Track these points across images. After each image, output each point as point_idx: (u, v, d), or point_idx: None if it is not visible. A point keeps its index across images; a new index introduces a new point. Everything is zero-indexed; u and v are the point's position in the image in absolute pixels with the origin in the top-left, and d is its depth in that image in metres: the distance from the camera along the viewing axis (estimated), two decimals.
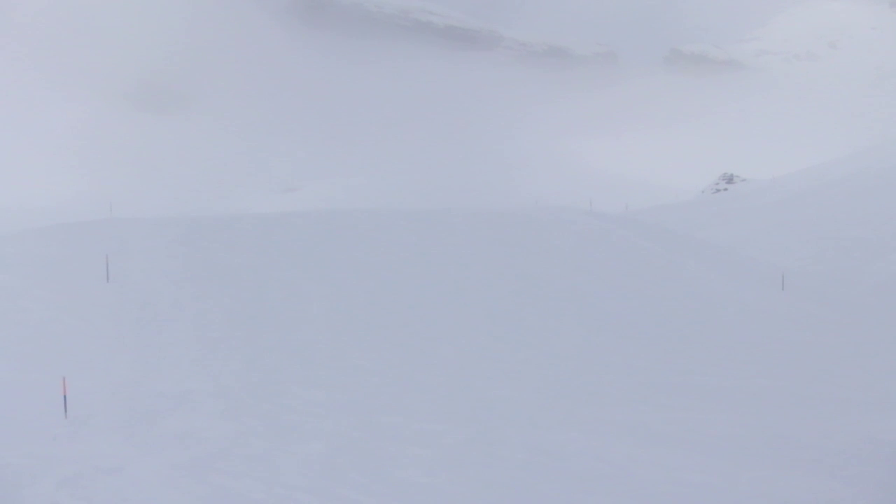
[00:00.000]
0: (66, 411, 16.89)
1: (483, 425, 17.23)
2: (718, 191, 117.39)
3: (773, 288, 36.60)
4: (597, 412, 18.45)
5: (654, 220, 61.80)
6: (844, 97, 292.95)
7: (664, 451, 15.95)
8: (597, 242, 41.43)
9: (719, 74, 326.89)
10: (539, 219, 45.11)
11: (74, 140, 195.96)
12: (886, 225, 54.60)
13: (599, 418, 17.95)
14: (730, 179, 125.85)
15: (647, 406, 19.02)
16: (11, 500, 13.24)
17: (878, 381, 22.33)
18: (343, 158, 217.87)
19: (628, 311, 30.54)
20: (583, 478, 14.62)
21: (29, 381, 19.13)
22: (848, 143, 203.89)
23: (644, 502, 13.69)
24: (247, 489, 13.82)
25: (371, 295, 29.85)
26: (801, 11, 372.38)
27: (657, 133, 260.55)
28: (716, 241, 51.74)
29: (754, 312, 31.98)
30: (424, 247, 37.34)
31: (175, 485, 13.97)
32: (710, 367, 23.54)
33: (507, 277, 33.82)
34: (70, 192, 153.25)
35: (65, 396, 17.02)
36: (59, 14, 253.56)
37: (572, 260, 37.63)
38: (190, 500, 13.38)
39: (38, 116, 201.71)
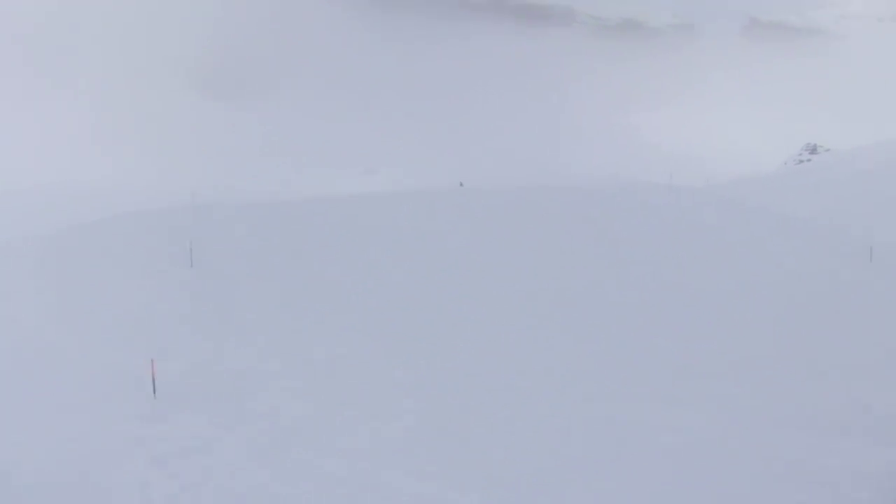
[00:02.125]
0: (154, 392, 17.28)
1: (581, 406, 17.20)
2: (801, 161, 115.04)
3: (861, 260, 35.71)
4: (692, 386, 18.31)
5: (736, 193, 60.72)
6: None
7: (759, 427, 15.70)
8: (678, 218, 40.87)
9: (800, 42, 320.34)
10: (618, 195, 44.68)
11: (154, 126, 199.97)
12: None
13: (694, 393, 17.81)
14: (813, 150, 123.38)
15: (741, 381, 18.77)
16: (106, 478, 13.59)
17: None
18: (421, 139, 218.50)
19: (713, 288, 30.06)
20: (674, 454, 14.45)
21: (119, 364, 19.60)
22: None
23: (742, 481, 13.46)
24: (330, 465, 13.98)
25: (458, 272, 29.95)
26: None
27: (737, 104, 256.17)
28: (800, 213, 50.59)
29: (844, 285, 31.23)
30: (504, 226, 37.24)
31: (259, 462, 14.20)
32: (802, 340, 23.12)
33: (588, 256, 33.55)
34: (152, 176, 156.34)
35: (153, 378, 17.41)
36: (140, 8, 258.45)
37: (654, 237, 37.10)
38: (274, 476, 13.59)
39: (120, 103, 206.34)
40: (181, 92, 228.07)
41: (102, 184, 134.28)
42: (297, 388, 18.11)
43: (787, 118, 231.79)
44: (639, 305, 27.29)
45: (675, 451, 14.47)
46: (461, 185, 68.48)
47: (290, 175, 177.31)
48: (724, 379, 19.08)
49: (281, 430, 15.64)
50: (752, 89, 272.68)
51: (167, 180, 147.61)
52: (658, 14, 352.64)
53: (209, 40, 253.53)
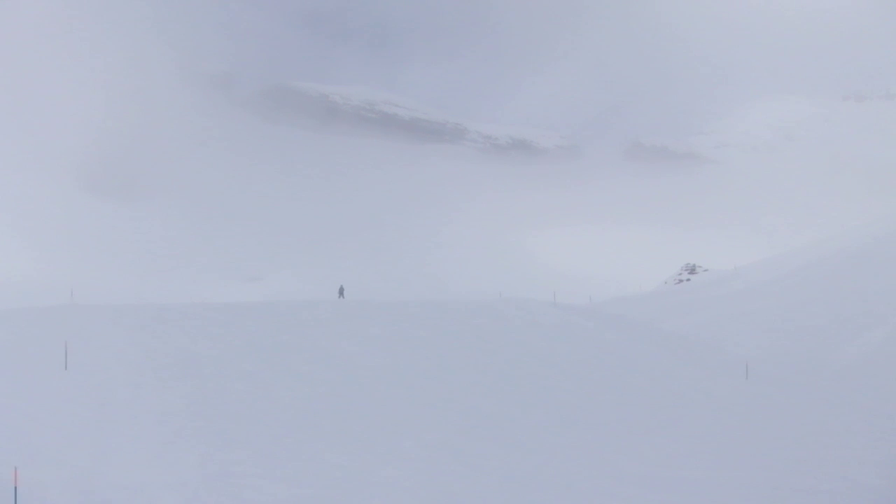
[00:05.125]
0: (15, 503, 16.30)
1: None
2: (681, 281, 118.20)
3: (737, 377, 36.66)
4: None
5: (618, 311, 62.03)
6: (802, 187, 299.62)
7: None
8: (561, 334, 41.47)
9: (680, 167, 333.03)
10: (504, 311, 45.22)
11: (33, 221, 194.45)
12: (846, 313, 55.22)
13: None
14: (692, 270, 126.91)
15: (616, 500, 18.74)
16: None
17: (844, 469, 22.25)
18: (306, 249, 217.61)
19: (594, 403, 30.36)
20: None
21: None
22: (807, 231, 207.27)
23: None
24: None
25: (334, 387, 29.53)
26: (758, 105, 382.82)
27: (619, 225, 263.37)
28: (680, 330, 51.91)
29: (720, 402, 31.91)
30: (388, 338, 37.19)
31: None
32: (677, 459, 23.33)
33: (472, 370, 33.63)
34: (28, 273, 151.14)
35: (15, 488, 16.42)
36: (21, 91, 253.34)
37: (537, 352, 37.56)
38: None
39: None
40: (63, 187, 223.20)
41: None
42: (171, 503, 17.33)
43: (668, 239, 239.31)
44: (515, 419, 27.31)
45: None
46: (341, 289, 68.11)
47: (173, 277, 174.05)
48: (591, 495, 19.03)
49: None
50: (635, 210, 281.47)
51: (45, 277, 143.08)
52: (546, 135, 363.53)
53: (97, 137, 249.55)
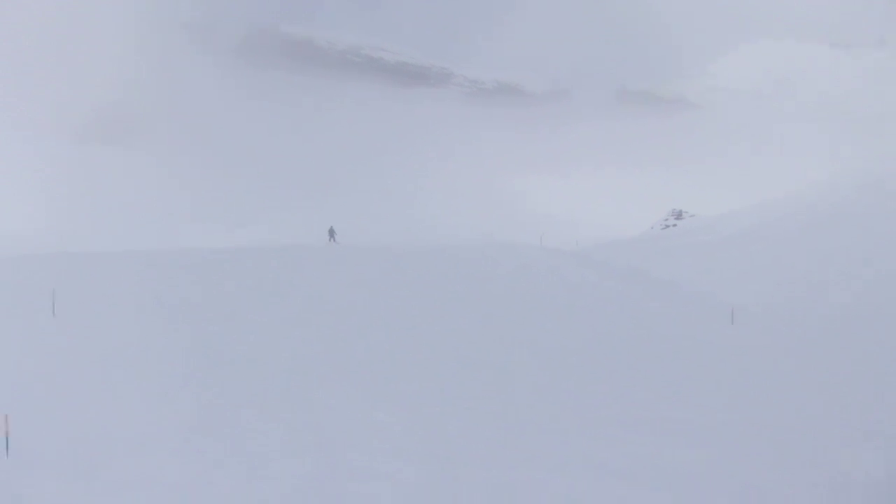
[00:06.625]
0: (7, 451, 16.28)
1: (445, 463, 16.98)
2: (667, 227, 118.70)
3: (722, 322, 36.90)
4: (556, 448, 18.29)
5: (605, 255, 62.26)
6: (792, 133, 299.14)
7: (626, 487, 15.83)
8: (548, 277, 41.63)
9: (668, 111, 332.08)
10: (492, 254, 45.34)
11: (23, 171, 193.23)
12: (832, 260, 55.56)
13: (559, 454, 17.79)
14: (679, 215, 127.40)
15: (606, 441, 18.89)
16: None
17: (832, 414, 22.48)
18: (291, 195, 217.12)
19: (581, 346, 30.54)
20: None
21: None
22: (795, 179, 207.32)
23: None
24: None
25: (330, 330, 29.62)
26: (748, 50, 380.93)
27: (606, 170, 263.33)
28: (665, 275, 52.15)
29: (705, 346, 32.13)
30: (379, 282, 37.27)
31: None
32: (666, 401, 23.52)
33: (463, 314, 33.76)
34: (20, 224, 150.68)
35: (6, 435, 16.39)
36: (6, 45, 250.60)
37: (525, 294, 37.72)
38: None
39: None
40: (55, 134, 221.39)
41: None
42: (172, 451, 17.25)
43: (655, 184, 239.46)
44: (503, 361, 27.46)
45: None
46: (331, 231, 66.42)
47: (159, 225, 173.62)
48: (581, 436, 19.20)
49: (151, 497, 14.89)
50: (622, 155, 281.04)
51: (38, 228, 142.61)
52: (533, 79, 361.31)
53: (87, 88, 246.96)
